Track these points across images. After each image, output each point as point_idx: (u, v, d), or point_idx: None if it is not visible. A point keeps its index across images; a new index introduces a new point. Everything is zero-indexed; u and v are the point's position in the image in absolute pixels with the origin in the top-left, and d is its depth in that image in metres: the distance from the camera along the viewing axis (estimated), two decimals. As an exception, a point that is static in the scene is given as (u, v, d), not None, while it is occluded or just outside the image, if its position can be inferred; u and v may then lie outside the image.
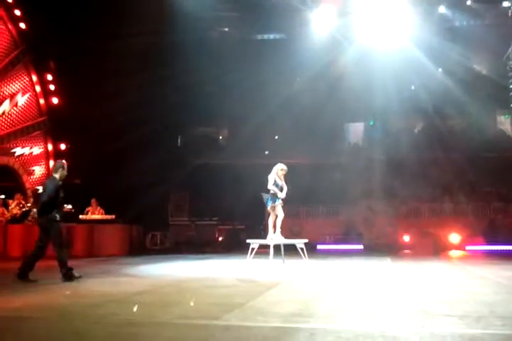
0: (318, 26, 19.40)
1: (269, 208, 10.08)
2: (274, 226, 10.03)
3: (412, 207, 19.33)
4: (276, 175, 10.01)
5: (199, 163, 20.44)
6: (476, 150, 20.19)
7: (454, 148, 20.41)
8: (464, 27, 20.05)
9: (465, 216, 18.77)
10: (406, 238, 17.71)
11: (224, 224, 19.98)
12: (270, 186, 9.93)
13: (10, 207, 14.58)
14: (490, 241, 16.65)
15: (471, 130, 21.70)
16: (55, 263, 7.73)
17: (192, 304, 5.49)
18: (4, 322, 4.66)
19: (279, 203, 9.91)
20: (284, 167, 10.12)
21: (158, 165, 18.17)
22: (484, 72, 22.49)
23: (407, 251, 16.25)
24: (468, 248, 16.43)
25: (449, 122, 22.87)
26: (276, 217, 10.01)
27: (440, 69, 21.09)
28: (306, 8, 18.85)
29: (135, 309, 5.21)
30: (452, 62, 19.90)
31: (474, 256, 14.38)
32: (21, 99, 17.76)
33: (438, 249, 15.74)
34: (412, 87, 20.97)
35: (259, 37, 21.62)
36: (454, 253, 15.37)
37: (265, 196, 10.04)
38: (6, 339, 4.03)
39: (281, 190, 9.96)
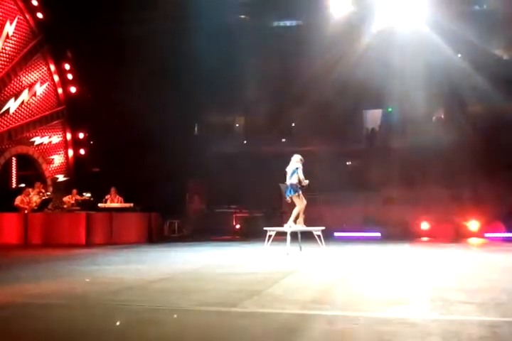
0: (335, 11, 19.16)
1: (287, 198, 10.06)
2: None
3: (430, 193, 19.10)
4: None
5: (216, 150, 20.41)
6: (496, 136, 19.84)
7: (473, 134, 20.09)
8: (485, 10, 19.63)
9: (484, 203, 18.51)
10: (424, 225, 17.58)
11: (241, 211, 20.01)
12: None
13: (30, 196, 14.77)
14: (510, 228, 16.45)
15: (491, 116, 21.33)
16: (74, 251, 7.83)
17: (210, 291, 5.53)
18: (25, 308, 4.74)
19: (299, 193, 9.89)
20: (301, 157, 10.17)
21: (176, 153, 18.21)
22: (505, 57, 22.04)
23: (425, 238, 16.15)
24: (487, 235, 16.26)
25: (469, 108, 22.50)
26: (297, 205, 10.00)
27: (459, 55, 20.71)
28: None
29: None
30: (472, 47, 19.52)
31: (493, 243, 14.24)
32: (40, 89, 17.89)
33: (457, 236, 15.61)
34: (431, 73, 20.68)
35: (276, 23, 21.45)
36: (472, 240, 15.24)
37: (283, 186, 10.01)
38: (25, 326, 4.10)
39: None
